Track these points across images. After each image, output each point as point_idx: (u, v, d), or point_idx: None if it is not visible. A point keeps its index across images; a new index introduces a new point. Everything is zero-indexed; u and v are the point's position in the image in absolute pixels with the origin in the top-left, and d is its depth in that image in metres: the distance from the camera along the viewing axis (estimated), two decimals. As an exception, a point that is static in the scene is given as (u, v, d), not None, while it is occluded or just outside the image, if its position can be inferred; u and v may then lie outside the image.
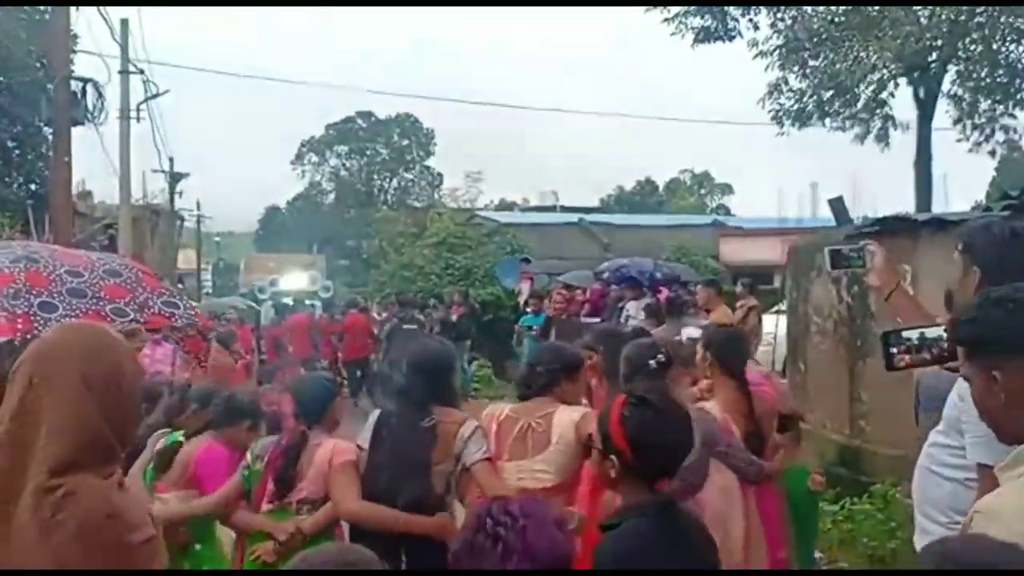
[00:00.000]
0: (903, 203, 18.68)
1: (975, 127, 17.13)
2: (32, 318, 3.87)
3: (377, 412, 3.61)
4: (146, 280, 4.56)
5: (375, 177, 57.42)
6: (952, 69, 16.51)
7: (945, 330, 2.01)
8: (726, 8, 17.21)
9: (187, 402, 4.21)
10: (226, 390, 4.35)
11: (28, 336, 3.77)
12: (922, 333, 2.06)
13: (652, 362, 3.72)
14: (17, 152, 17.97)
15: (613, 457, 2.31)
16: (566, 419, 3.44)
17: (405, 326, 13.10)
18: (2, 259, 4.16)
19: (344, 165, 58.13)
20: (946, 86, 16.84)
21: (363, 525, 3.34)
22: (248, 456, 3.61)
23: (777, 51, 16.91)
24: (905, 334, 2.07)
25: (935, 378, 3.17)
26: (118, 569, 1.70)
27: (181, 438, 3.67)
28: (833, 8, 15.93)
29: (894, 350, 2.08)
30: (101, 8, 13.61)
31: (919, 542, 2.76)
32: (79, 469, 1.71)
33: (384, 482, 3.34)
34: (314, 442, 3.47)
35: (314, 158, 58.33)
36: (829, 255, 2.73)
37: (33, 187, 17.74)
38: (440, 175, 57.40)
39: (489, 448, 3.43)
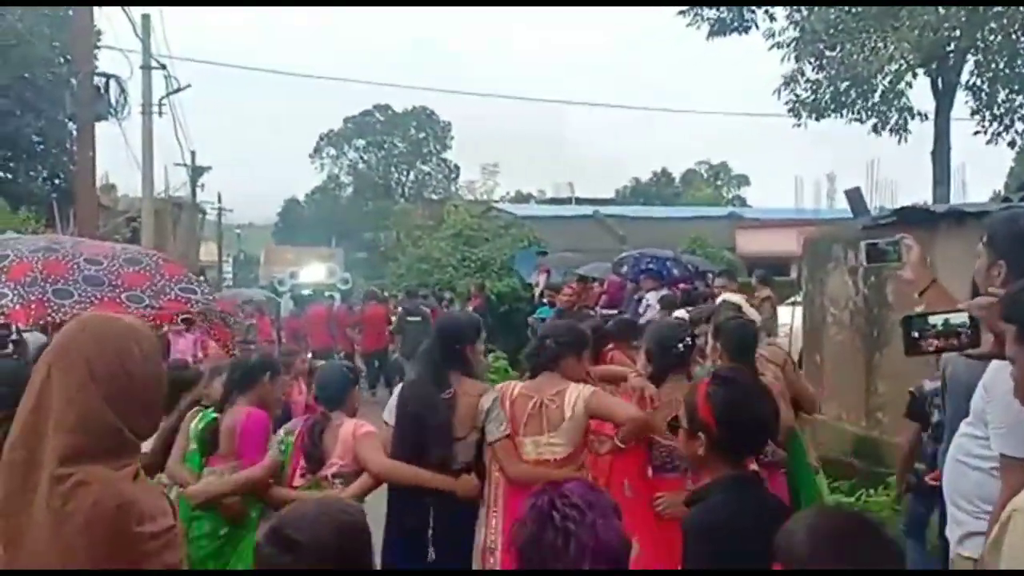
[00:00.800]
0: (921, 194, 18.59)
1: (993, 118, 17.01)
2: (45, 304, 3.97)
3: (399, 387, 3.90)
4: (166, 268, 4.66)
5: (392, 170, 57.62)
6: (971, 59, 16.40)
7: (970, 317, 2.01)
8: (743, -1, 17.18)
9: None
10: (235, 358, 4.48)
11: (41, 322, 3.93)
12: (947, 319, 2.00)
13: (680, 346, 3.93)
14: (41, 147, 18.21)
15: (701, 434, 2.37)
16: (577, 396, 3.64)
17: (409, 318, 13.11)
18: (23, 249, 4.29)
19: (362, 158, 58.35)
20: (964, 77, 16.73)
21: (390, 481, 3.59)
22: (281, 432, 3.82)
23: (793, 42, 16.84)
24: (931, 319, 2.03)
25: (963, 367, 3.17)
26: (125, 560, 1.69)
27: (215, 414, 3.91)
28: (850, -1, 15.87)
29: (916, 335, 2.07)
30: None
31: (951, 532, 2.78)
32: (89, 459, 1.71)
33: (409, 448, 3.58)
34: (336, 423, 3.71)
35: (332, 151, 58.58)
36: (865, 249, 2.66)
37: (57, 181, 17.99)
38: (457, 167, 57.55)
39: (507, 424, 3.63)
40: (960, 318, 1.98)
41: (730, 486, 2.33)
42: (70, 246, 4.54)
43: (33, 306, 3.94)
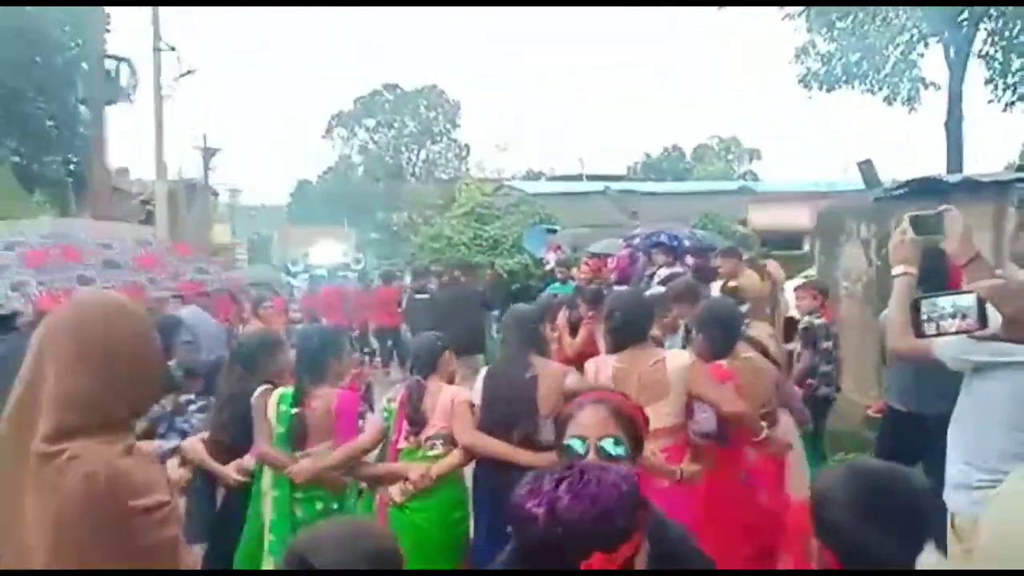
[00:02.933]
0: (933, 164, 18.42)
1: (1007, 87, 16.82)
2: (72, 292, 4.03)
3: (485, 368, 4.11)
4: (176, 248, 4.75)
5: (403, 149, 57.51)
6: (983, 28, 16.20)
7: (978, 298, 1.94)
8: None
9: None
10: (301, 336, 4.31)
11: None
12: (956, 301, 1.96)
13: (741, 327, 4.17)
14: (55, 131, 18.25)
15: None
16: (680, 368, 3.74)
17: (417, 296, 13.22)
18: (33, 237, 4.33)
19: (372, 138, 58.25)
20: (977, 45, 16.53)
21: (478, 453, 3.81)
22: (384, 400, 4.07)
23: (804, 13, 16.67)
24: (940, 302, 1.98)
25: None
26: (118, 533, 1.69)
27: (295, 409, 3.76)
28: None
29: (926, 317, 2.07)
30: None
31: (947, 495, 2.92)
32: (82, 435, 1.73)
33: (496, 426, 3.78)
34: (435, 388, 3.93)
35: (343, 132, 58.50)
36: (911, 221, 2.60)
37: (71, 165, 18.06)
38: (467, 147, 57.40)
39: None
40: (968, 300, 1.97)
41: None
42: (75, 229, 4.62)
43: (61, 296, 3.98)
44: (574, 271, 12.48)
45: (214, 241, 27.02)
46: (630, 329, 3.85)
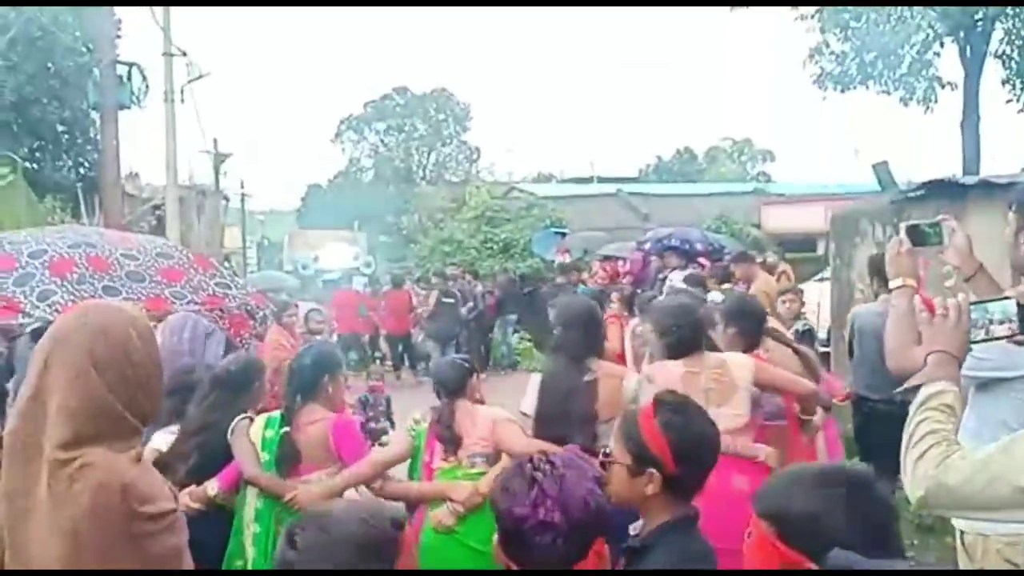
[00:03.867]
0: (950, 166, 18.26)
1: (1025, 86, 16.65)
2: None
3: (538, 376, 3.83)
4: (197, 262, 4.64)
5: (413, 153, 57.56)
6: (1000, 27, 16.03)
7: (1018, 303, 1.94)
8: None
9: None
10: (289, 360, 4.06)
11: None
12: (1004, 307, 1.97)
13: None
14: (66, 136, 18.33)
15: (652, 472, 2.07)
16: (743, 367, 3.66)
17: (444, 300, 13.36)
18: (60, 244, 4.19)
19: (382, 141, 58.34)
20: (994, 45, 16.35)
21: None
22: (410, 420, 3.77)
23: (818, 13, 16.57)
24: (990, 307, 1.97)
25: (870, 321, 3.17)
26: (128, 541, 1.72)
27: (285, 428, 3.52)
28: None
29: (972, 323, 1.97)
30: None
31: None
32: (93, 443, 1.75)
33: (553, 434, 3.46)
34: (466, 409, 3.59)
35: (353, 136, 58.62)
36: (907, 232, 2.49)
37: (82, 171, 18.13)
38: (477, 149, 57.43)
39: None
40: (1012, 305, 1.96)
41: (678, 529, 2.06)
42: (102, 240, 4.48)
43: None
44: (584, 274, 12.43)
45: (225, 246, 27.07)
46: (690, 340, 3.76)
